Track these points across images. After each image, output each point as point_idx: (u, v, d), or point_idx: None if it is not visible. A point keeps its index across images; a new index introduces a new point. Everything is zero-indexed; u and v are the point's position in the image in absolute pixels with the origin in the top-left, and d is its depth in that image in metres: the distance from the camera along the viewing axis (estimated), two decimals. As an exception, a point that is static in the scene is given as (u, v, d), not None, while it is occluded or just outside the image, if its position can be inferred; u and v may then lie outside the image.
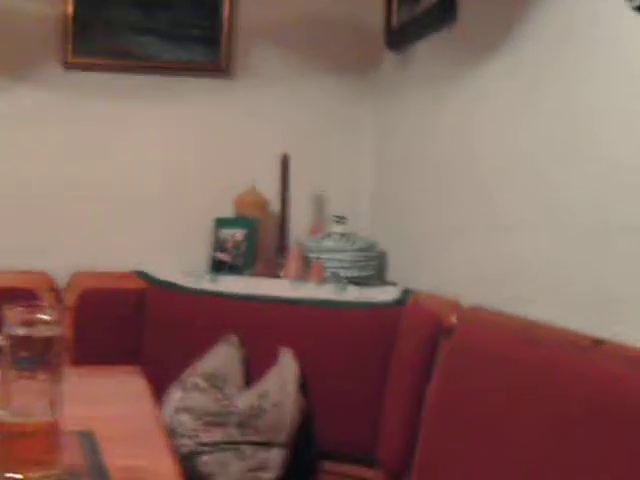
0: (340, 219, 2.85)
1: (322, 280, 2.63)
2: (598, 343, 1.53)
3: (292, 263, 2.74)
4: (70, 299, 2.57)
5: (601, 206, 1.70)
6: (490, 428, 1.70)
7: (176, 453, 1.53)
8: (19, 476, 1.22)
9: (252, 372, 2.38)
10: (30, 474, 1.23)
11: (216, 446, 2.21)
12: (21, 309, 1.24)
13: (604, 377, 1.44)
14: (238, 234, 2.89)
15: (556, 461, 1.47)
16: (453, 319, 2.03)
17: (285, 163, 2.93)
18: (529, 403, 1.60)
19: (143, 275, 2.66)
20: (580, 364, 1.51)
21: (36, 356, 1.22)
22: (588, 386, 1.46)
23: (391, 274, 2.86)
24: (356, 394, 2.29)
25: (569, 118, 1.83)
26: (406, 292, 2.39)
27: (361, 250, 2.79)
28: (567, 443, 1.46)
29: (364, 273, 2.76)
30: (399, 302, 2.36)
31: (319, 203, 3.07)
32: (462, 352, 1.92)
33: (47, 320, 1.24)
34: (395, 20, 2.82)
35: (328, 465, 2.32)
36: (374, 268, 2.82)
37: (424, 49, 2.64)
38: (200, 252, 2.95)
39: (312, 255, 2.76)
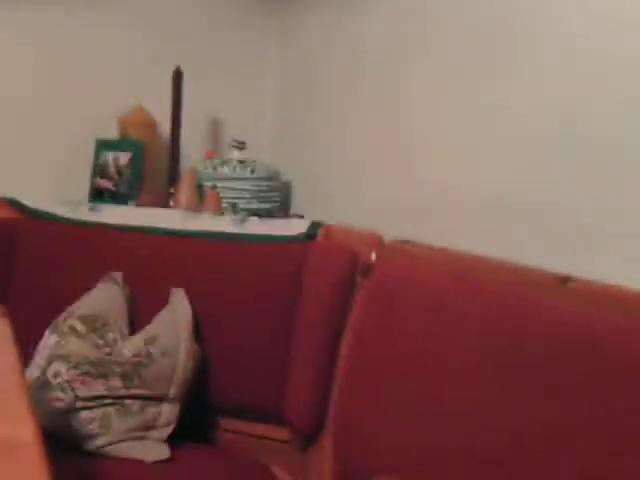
0: (239, 144, 2.56)
1: (218, 211, 2.33)
2: (565, 280, 1.31)
3: (184, 192, 2.43)
4: None
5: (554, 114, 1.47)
6: (420, 379, 1.46)
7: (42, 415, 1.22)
8: None
9: (139, 315, 2.07)
10: None
11: (97, 401, 1.91)
12: None
13: (563, 318, 1.22)
14: (122, 158, 2.57)
15: (500, 414, 1.25)
16: (372, 255, 1.78)
17: (177, 79, 2.58)
18: (468, 351, 1.36)
19: (14, 203, 2.30)
20: (540, 304, 1.29)
21: None
22: (544, 328, 1.23)
23: (297, 207, 2.58)
24: (259, 341, 2.01)
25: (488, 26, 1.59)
26: (316, 225, 2.11)
27: (262, 179, 2.49)
28: (515, 394, 1.24)
29: (266, 205, 2.47)
30: (308, 236, 2.09)
31: (216, 126, 2.77)
32: (384, 293, 1.67)
33: None
34: None
35: (228, 423, 2.04)
36: (277, 200, 2.53)
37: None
38: (80, 179, 2.61)
39: (207, 184, 2.45)
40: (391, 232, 1.84)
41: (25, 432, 1.11)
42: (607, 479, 1.06)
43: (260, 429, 1.98)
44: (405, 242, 1.77)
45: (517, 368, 1.25)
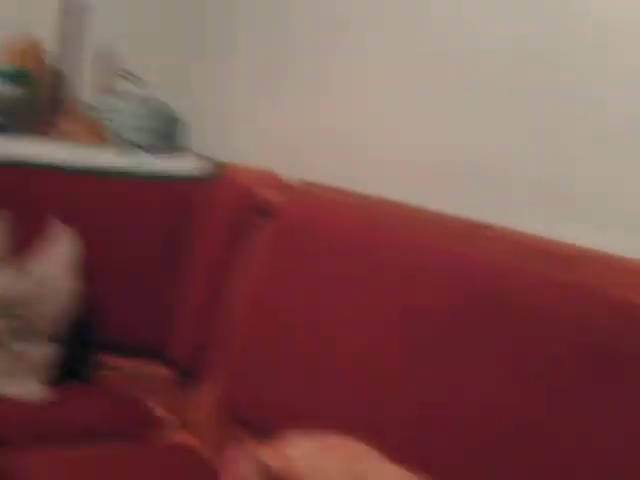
0: (129, 76, 2.45)
1: (106, 144, 2.25)
2: (484, 229, 1.29)
3: (71, 124, 2.32)
4: None
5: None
6: (323, 326, 1.44)
7: None
8: None
9: (18, 251, 1.98)
10: None
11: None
12: None
13: (483, 269, 1.21)
14: (6, 89, 2.43)
15: (407, 365, 1.23)
16: (274, 196, 1.72)
17: (68, 5, 2.46)
18: (377, 300, 1.34)
19: None
20: (456, 252, 1.27)
21: None
22: (461, 278, 1.22)
23: (191, 143, 2.49)
24: (145, 281, 1.96)
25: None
26: (213, 164, 2.04)
27: (153, 112, 2.41)
28: (425, 346, 1.22)
29: (158, 140, 2.39)
30: (205, 175, 2.02)
31: (106, 57, 2.63)
32: (291, 235, 1.62)
33: None
34: None
35: (111, 361, 1.98)
36: (169, 135, 2.45)
37: None
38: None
39: (96, 116, 2.35)
40: (293, 174, 1.79)
41: None
42: (515, 426, 1.06)
43: (142, 367, 1.94)
44: (313, 185, 1.72)
45: (428, 318, 1.24)
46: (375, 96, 1.71)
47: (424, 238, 1.35)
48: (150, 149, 2.29)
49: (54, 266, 1.92)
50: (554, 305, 1.08)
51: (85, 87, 2.55)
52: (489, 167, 1.42)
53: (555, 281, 1.11)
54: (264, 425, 1.47)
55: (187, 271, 1.90)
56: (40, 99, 2.49)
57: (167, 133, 2.44)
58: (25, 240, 1.99)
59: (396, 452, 1.01)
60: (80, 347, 1.93)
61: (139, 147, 2.29)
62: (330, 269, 1.47)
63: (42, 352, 1.85)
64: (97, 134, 2.28)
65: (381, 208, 1.52)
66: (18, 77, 2.42)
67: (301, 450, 0.73)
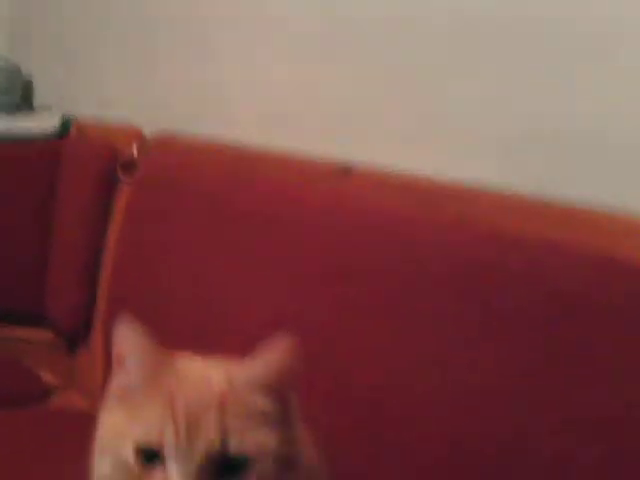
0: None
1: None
2: (347, 171, 1.29)
3: None
4: None
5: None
6: (191, 281, 1.45)
7: None
8: None
9: None
10: None
11: None
12: None
13: (345, 208, 1.23)
14: None
15: (281, 309, 1.26)
16: (133, 150, 1.71)
17: None
18: (242, 251, 1.36)
19: None
20: (324, 194, 1.28)
21: None
22: (337, 223, 1.23)
23: (41, 102, 2.40)
24: (12, 245, 1.91)
25: None
26: (67, 120, 2.00)
27: (3, 71, 2.30)
28: (293, 286, 1.25)
29: (4, 100, 2.27)
30: (59, 133, 1.98)
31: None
32: (148, 190, 1.62)
33: None
34: None
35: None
36: (17, 94, 2.33)
37: None
38: None
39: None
40: (153, 126, 1.78)
41: None
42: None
43: (22, 332, 1.89)
44: (171, 135, 1.71)
45: (297, 260, 1.25)
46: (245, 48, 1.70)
47: (286, 182, 1.36)
48: (3, 109, 2.20)
49: None
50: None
51: None
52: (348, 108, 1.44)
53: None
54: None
55: (58, 231, 1.86)
56: None
57: (13, 92, 2.34)
58: None
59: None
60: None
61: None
62: (190, 218, 1.48)
63: None
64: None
65: (246, 154, 1.51)
66: None
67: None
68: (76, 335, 1.78)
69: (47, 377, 1.79)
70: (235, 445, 0.67)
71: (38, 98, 2.41)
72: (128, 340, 0.74)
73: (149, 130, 1.77)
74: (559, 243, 0.97)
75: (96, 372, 1.67)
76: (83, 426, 1.56)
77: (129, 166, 1.70)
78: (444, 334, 1.03)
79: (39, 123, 2.04)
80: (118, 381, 0.75)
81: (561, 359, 0.93)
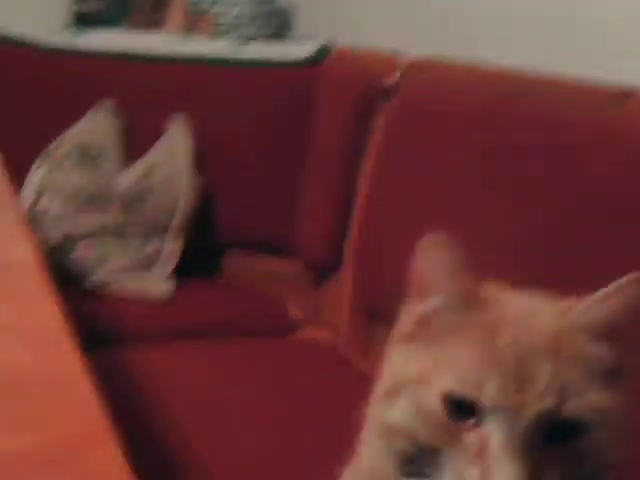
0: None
1: (214, 35, 2.14)
2: (625, 95, 1.14)
3: (176, 16, 2.22)
4: None
5: None
6: (448, 204, 1.34)
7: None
8: None
9: (135, 146, 1.92)
10: None
11: (93, 237, 1.79)
12: None
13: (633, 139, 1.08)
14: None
15: (557, 246, 1.13)
16: (393, 77, 1.61)
17: None
18: (505, 177, 1.23)
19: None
20: (599, 122, 1.14)
21: None
22: (609, 152, 1.09)
23: (303, 31, 2.35)
24: (266, 171, 1.87)
25: None
26: (325, 47, 1.93)
27: (262, 1, 2.28)
28: (569, 223, 1.12)
29: (267, 30, 2.27)
30: (317, 60, 1.91)
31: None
32: (407, 116, 1.52)
33: None
34: None
35: (235, 256, 1.92)
36: (280, 24, 2.33)
37: None
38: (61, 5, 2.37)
39: (200, 8, 2.24)
40: (415, 52, 1.67)
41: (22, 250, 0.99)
42: None
43: (270, 262, 1.86)
44: (429, 60, 1.60)
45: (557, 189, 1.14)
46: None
47: (558, 108, 1.23)
48: (259, 38, 2.17)
49: (172, 159, 1.86)
50: None
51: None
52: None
53: None
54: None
55: (310, 161, 1.80)
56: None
57: (277, 20, 2.32)
58: (139, 133, 1.93)
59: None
60: (204, 242, 1.87)
61: (248, 36, 2.18)
62: (445, 144, 1.39)
63: (165, 247, 1.80)
64: (202, 25, 2.17)
65: (508, 79, 1.38)
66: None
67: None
68: (325, 267, 1.72)
69: (293, 310, 1.76)
70: (572, 406, 0.53)
71: (300, 27, 2.37)
72: (436, 263, 0.61)
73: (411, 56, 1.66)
74: None
75: (343, 307, 1.61)
76: (327, 358, 1.54)
77: (388, 94, 1.60)
78: None
79: (296, 50, 1.98)
80: (418, 314, 0.61)
81: None
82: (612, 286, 0.57)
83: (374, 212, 1.55)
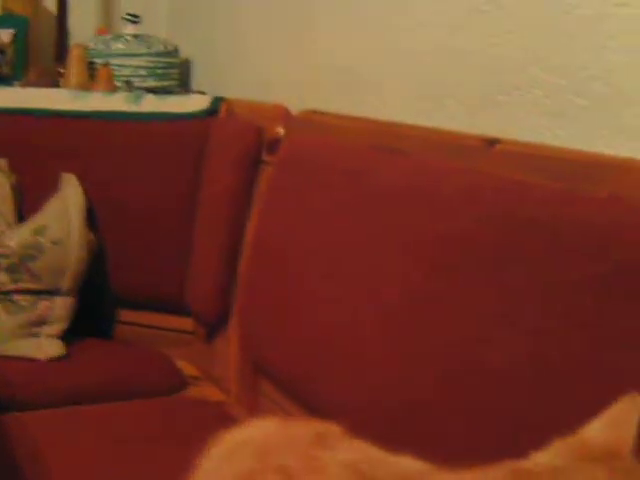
0: (133, 18, 2.33)
1: (111, 90, 2.13)
2: (490, 143, 1.15)
3: (73, 70, 2.20)
4: None
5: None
6: (332, 260, 1.33)
7: None
8: None
9: (26, 204, 1.89)
10: None
11: (-19, 298, 1.74)
12: None
13: (500, 185, 1.08)
14: (4, 35, 2.31)
15: (423, 293, 1.12)
16: (279, 129, 1.62)
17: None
18: (387, 229, 1.23)
19: None
20: (466, 171, 1.14)
21: None
22: (484, 199, 1.09)
23: (198, 84, 2.38)
24: (158, 228, 1.85)
25: None
26: (217, 100, 1.93)
27: (159, 55, 2.29)
28: (440, 272, 1.10)
29: (164, 83, 2.27)
30: (209, 113, 1.91)
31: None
32: (291, 168, 1.52)
33: None
34: None
35: (127, 315, 1.88)
36: (176, 77, 2.34)
37: None
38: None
39: (99, 61, 2.23)
40: (299, 106, 1.68)
41: None
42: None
43: (162, 320, 1.83)
44: (314, 112, 1.61)
45: (443, 243, 1.12)
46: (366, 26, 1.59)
47: (431, 157, 1.24)
48: (156, 91, 2.17)
49: (63, 217, 1.82)
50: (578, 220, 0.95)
51: (87, 32, 2.43)
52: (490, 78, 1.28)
53: (580, 196, 0.98)
54: (284, 374, 1.38)
55: (202, 214, 1.79)
56: (40, 46, 2.38)
57: (173, 74, 2.33)
58: (31, 191, 1.90)
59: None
60: (97, 301, 1.84)
61: (143, 89, 2.17)
62: (333, 197, 1.37)
63: (55, 307, 1.76)
64: (100, 79, 2.15)
65: (387, 130, 1.40)
66: (13, 23, 2.32)
67: None
68: (215, 323, 1.70)
69: (186, 368, 1.73)
70: None
71: (196, 80, 2.38)
72: None
73: (298, 110, 1.67)
74: None
75: (231, 363, 1.59)
76: (217, 417, 1.52)
77: (275, 145, 1.60)
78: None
79: (190, 103, 1.98)
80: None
81: None
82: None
83: (257, 267, 1.53)
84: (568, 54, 1.16)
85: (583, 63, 1.14)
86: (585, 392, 0.86)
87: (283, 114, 1.67)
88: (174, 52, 2.35)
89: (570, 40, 1.16)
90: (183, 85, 2.38)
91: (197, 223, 1.79)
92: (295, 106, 1.68)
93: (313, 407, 1.32)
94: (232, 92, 2.02)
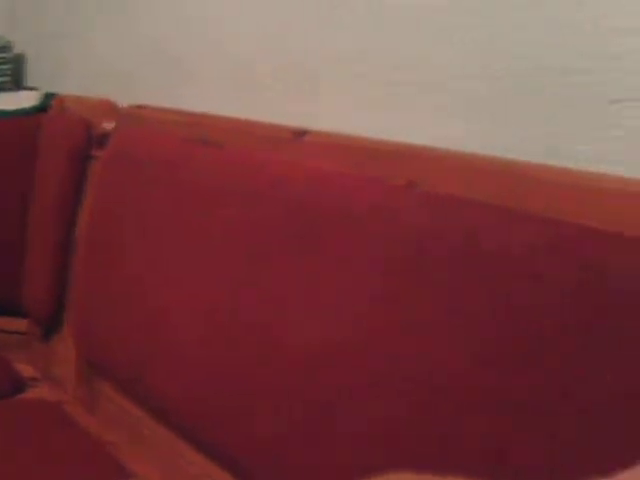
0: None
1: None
2: (299, 134, 1.19)
3: None
4: None
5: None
6: (162, 255, 1.33)
7: None
8: None
9: None
10: None
11: None
12: None
13: (311, 176, 1.12)
14: None
15: (248, 290, 1.14)
16: (107, 124, 1.61)
17: None
18: (211, 219, 1.24)
19: None
20: (279, 162, 1.17)
21: None
22: (292, 189, 1.12)
23: (32, 80, 2.32)
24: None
25: None
26: (48, 97, 1.90)
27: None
28: (265, 265, 1.13)
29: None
30: (41, 108, 1.87)
31: None
32: (118, 164, 1.51)
33: None
34: None
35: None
36: (9, 73, 2.27)
37: None
38: None
39: None
40: (130, 99, 1.67)
41: None
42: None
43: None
44: (140, 107, 1.61)
45: (258, 232, 1.15)
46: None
47: (244, 150, 1.26)
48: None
49: None
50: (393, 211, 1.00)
51: None
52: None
53: (380, 183, 1.03)
54: (119, 371, 1.39)
55: (34, 212, 1.76)
56: None
57: (5, 70, 2.26)
58: None
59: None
60: None
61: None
62: (157, 193, 1.38)
63: None
64: None
65: (203, 122, 1.42)
66: None
67: None
68: (50, 323, 1.67)
69: (25, 369, 1.70)
70: None
71: (27, 75, 2.33)
72: None
73: (124, 104, 1.67)
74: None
75: (69, 363, 1.58)
76: (55, 418, 1.50)
77: (103, 140, 1.60)
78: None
79: (21, 99, 1.94)
80: None
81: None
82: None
83: (89, 264, 1.52)
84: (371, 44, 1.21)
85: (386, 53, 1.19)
86: (378, 370, 0.91)
87: (110, 109, 1.67)
88: (7, 47, 2.28)
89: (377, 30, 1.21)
90: (17, 81, 2.32)
91: (30, 221, 1.76)
92: (126, 99, 1.67)
93: (150, 404, 1.32)
94: (67, 87, 1.98)
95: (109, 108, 1.67)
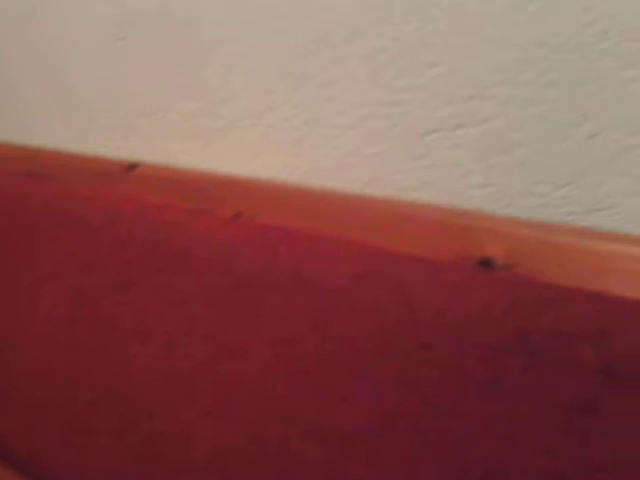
0: None
1: None
2: (129, 168, 1.20)
3: None
4: None
5: None
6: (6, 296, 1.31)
7: None
8: None
9: None
10: None
11: None
12: None
13: (140, 209, 1.13)
14: None
15: (76, 326, 1.14)
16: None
17: None
18: (45, 256, 1.23)
19: None
20: (107, 195, 1.17)
21: None
22: (123, 223, 1.13)
23: None
24: None
25: None
26: None
27: None
28: (93, 297, 1.13)
29: None
30: None
31: None
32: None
33: None
34: None
35: None
36: None
37: None
38: None
39: None
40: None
41: None
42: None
43: None
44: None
45: (89, 268, 1.15)
46: None
47: (76, 184, 1.27)
48: None
49: None
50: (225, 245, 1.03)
51: None
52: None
53: (209, 216, 1.05)
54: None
55: None
56: None
57: None
58: None
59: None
60: None
61: None
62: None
63: None
64: None
65: (37, 156, 1.41)
66: None
67: None
68: None
69: None
70: None
71: None
72: None
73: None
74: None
75: None
76: None
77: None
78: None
79: None
80: None
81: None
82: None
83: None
84: (199, 78, 1.23)
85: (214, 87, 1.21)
86: (206, 398, 0.92)
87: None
88: None
89: (200, 65, 1.23)
90: None
91: None
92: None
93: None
94: None
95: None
